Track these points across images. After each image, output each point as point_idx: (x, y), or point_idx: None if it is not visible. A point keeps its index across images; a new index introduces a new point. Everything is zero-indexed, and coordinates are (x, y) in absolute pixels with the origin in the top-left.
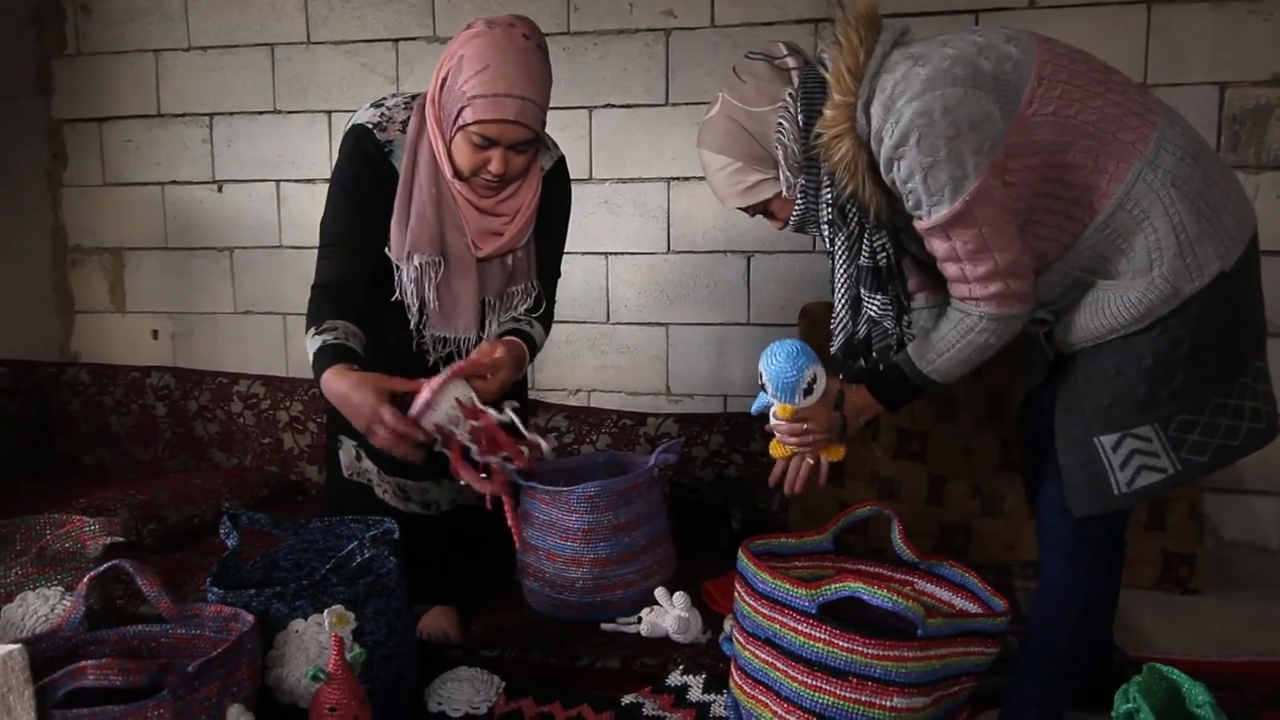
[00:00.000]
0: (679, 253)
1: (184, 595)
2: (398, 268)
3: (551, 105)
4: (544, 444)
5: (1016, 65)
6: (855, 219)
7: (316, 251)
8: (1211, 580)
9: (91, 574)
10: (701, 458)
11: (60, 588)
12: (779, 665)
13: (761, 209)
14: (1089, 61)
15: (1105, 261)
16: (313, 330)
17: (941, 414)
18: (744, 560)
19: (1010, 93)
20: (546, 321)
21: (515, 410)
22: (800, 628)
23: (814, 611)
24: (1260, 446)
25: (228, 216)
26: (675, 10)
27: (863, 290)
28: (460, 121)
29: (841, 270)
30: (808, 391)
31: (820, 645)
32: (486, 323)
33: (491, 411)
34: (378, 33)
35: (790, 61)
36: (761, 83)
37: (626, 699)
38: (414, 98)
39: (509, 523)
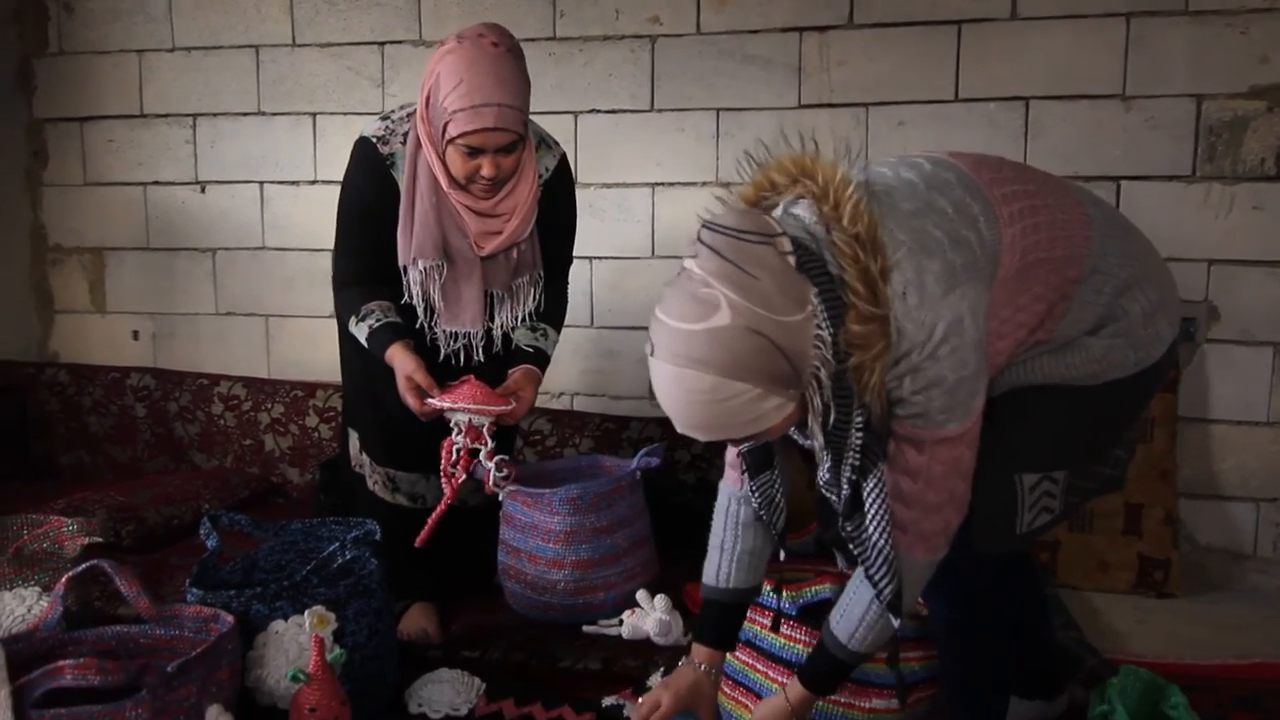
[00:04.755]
0: (663, 257)
1: (163, 596)
2: (405, 271)
3: (537, 110)
4: (500, 489)
5: (988, 221)
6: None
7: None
8: (1186, 585)
9: (69, 574)
10: (685, 462)
11: (37, 588)
12: (759, 667)
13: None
14: (1016, 172)
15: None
16: (354, 319)
17: None
18: None
19: (990, 264)
20: (558, 318)
21: (497, 462)
22: (781, 630)
23: (794, 613)
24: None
25: (210, 218)
26: (661, 17)
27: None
28: (447, 135)
29: (876, 519)
30: None
31: (800, 647)
32: (496, 314)
33: (483, 451)
34: (363, 35)
35: (785, 244)
36: (782, 279)
37: (607, 700)
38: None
39: (428, 520)
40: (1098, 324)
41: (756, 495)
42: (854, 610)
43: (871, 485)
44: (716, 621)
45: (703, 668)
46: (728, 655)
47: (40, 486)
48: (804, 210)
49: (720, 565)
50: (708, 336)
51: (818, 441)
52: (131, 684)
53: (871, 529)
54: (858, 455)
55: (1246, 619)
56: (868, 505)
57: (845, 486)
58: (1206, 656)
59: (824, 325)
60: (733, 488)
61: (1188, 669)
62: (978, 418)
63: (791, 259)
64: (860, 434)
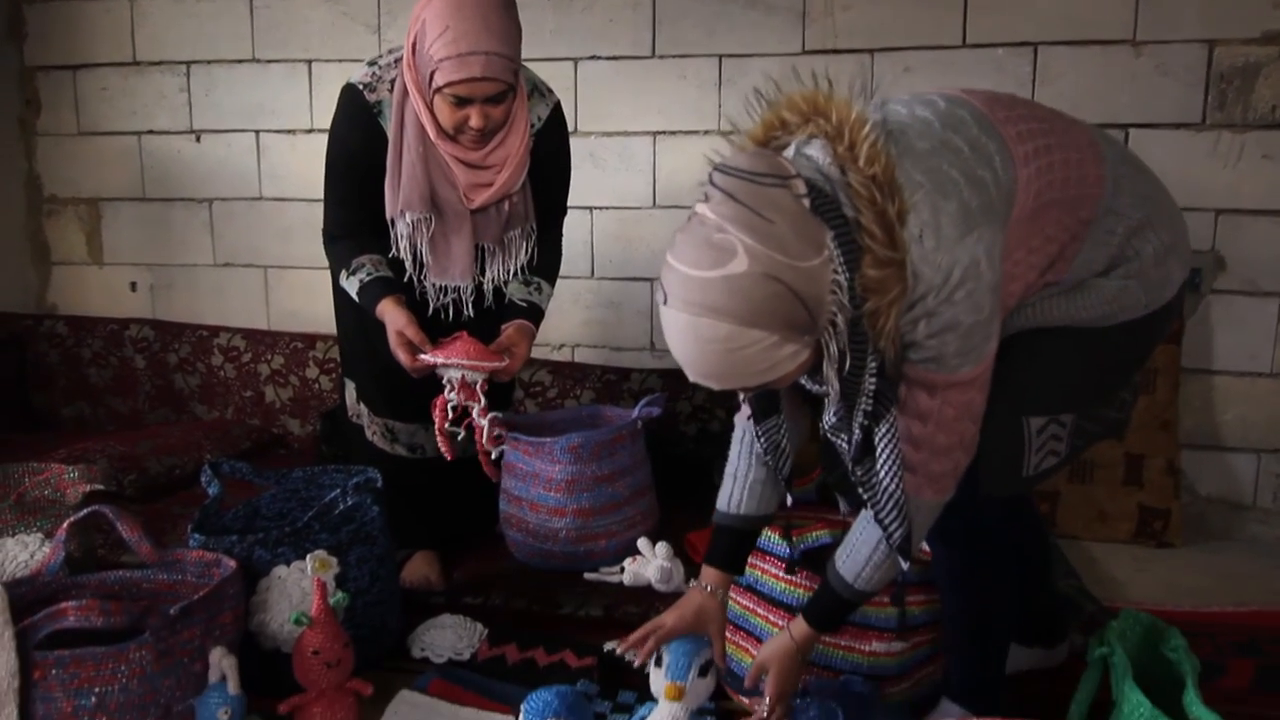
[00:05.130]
0: (664, 207)
1: (166, 543)
2: (392, 224)
3: (537, 57)
4: (494, 445)
5: (1003, 161)
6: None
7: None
8: (1186, 534)
9: (71, 519)
10: (685, 413)
11: (40, 534)
12: (759, 611)
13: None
14: (1029, 109)
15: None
16: (344, 273)
17: None
18: None
19: (1005, 205)
20: (552, 271)
21: (490, 420)
22: (781, 574)
23: (795, 558)
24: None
25: (206, 167)
26: None
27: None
28: (434, 85)
29: (888, 464)
30: (702, 672)
31: (801, 591)
32: (487, 267)
33: (476, 409)
34: None
35: (800, 186)
36: (798, 223)
37: (609, 645)
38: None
39: (487, 470)
40: (1109, 265)
41: (762, 439)
42: (861, 550)
43: (884, 430)
44: (727, 547)
45: (709, 588)
46: (730, 600)
47: (41, 437)
48: (817, 151)
49: (733, 492)
50: (724, 284)
51: (833, 388)
52: (135, 627)
53: (883, 474)
54: (870, 401)
55: (1245, 568)
56: (879, 450)
57: (856, 431)
58: (1205, 604)
59: (840, 270)
60: (749, 421)
61: (1186, 616)
62: (990, 362)
63: (806, 202)
64: (874, 379)
